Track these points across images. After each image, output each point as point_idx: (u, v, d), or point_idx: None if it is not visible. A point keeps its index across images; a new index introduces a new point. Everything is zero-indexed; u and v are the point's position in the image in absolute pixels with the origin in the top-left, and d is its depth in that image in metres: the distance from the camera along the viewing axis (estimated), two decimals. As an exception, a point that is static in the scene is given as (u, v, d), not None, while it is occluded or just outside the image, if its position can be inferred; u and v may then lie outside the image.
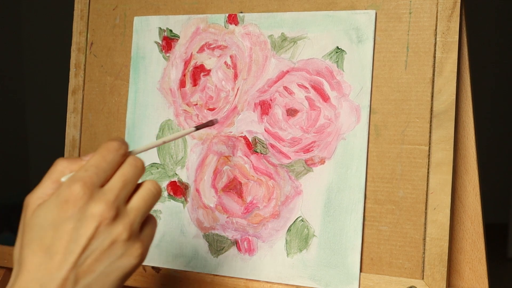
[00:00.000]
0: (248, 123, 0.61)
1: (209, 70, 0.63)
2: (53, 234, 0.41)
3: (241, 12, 0.63)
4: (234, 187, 0.62)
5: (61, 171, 0.44)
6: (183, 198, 0.64)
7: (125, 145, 0.45)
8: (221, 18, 0.63)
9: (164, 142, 0.51)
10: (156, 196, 0.45)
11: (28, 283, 0.41)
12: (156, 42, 0.66)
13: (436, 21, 0.55)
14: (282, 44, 0.60)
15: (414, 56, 0.55)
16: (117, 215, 0.42)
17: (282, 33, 0.60)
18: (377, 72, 0.56)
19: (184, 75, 0.65)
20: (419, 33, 0.55)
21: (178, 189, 0.64)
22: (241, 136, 0.61)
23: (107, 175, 0.43)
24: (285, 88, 0.60)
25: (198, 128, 0.57)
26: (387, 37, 0.56)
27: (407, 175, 0.55)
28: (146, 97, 0.66)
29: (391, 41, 0.56)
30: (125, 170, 0.44)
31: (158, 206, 0.64)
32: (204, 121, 0.63)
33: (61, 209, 0.42)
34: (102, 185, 0.43)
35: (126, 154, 0.45)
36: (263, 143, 0.60)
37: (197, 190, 0.63)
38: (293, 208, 0.59)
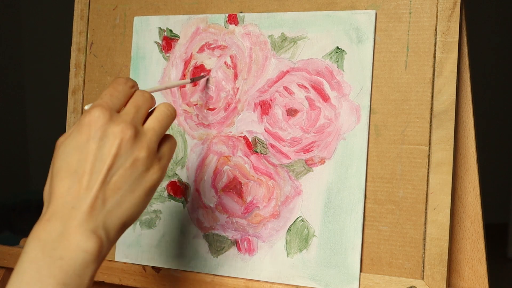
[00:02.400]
0: (248, 123, 0.61)
1: (209, 70, 0.63)
2: (79, 157, 0.44)
3: (241, 12, 0.63)
4: (234, 187, 0.62)
5: None
6: (183, 198, 0.64)
7: (132, 80, 0.49)
8: (221, 18, 0.63)
9: (166, 88, 0.57)
10: (170, 116, 0.49)
11: (59, 207, 0.43)
12: (156, 42, 0.66)
13: (436, 21, 0.55)
14: (282, 44, 0.60)
15: (414, 56, 0.55)
16: (135, 134, 0.45)
17: (282, 33, 0.60)
18: (377, 72, 0.57)
19: (184, 75, 0.65)
20: (419, 33, 0.55)
21: (178, 189, 0.64)
22: (241, 136, 0.61)
23: (120, 102, 0.47)
24: (285, 88, 0.60)
25: (192, 80, 0.62)
26: (387, 37, 0.56)
27: (407, 175, 0.55)
28: (146, 97, 0.66)
29: (391, 41, 0.56)
30: (136, 98, 0.48)
31: (158, 206, 0.65)
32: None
33: (83, 132, 0.44)
34: (118, 111, 0.46)
35: (134, 87, 0.48)
36: (263, 143, 0.60)
37: (197, 190, 0.63)
38: (293, 208, 0.59)
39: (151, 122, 0.47)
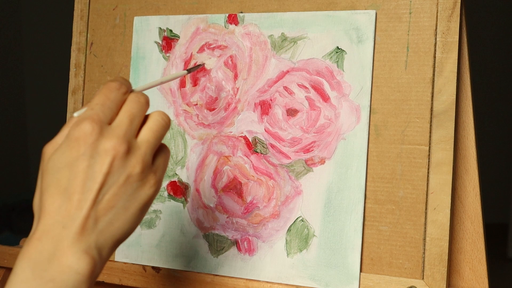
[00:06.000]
0: (248, 123, 0.61)
1: (209, 70, 0.63)
2: (69, 175, 0.41)
3: (241, 12, 0.63)
4: (234, 187, 0.62)
5: None
6: (183, 198, 0.64)
7: (126, 83, 0.45)
8: (221, 18, 0.63)
9: (162, 83, 0.53)
10: (164, 126, 0.46)
11: (49, 226, 0.41)
12: (156, 42, 0.66)
13: (436, 21, 0.55)
14: (282, 44, 0.60)
15: (414, 56, 0.55)
16: (129, 149, 0.42)
17: (282, 33, 0.60)
18: (377, 72, 0.56)
19: (184, 75, 0.65)
20: (419, 33, 0.55)
21: (178, 189, 0.64)
22: (241, 136, 0.61)
23: (112, 112, 0.44)
24: (285, 88, 0.60)
25: (189, 71, 0.59)
26: (387, 37, 0.56)
27: (407, 175, 0.55)
28: (146, 97, 0.66)
29: (391, 41, 0.56)
30: (129, 106, 0.44)
31: (158, 206, 0.65)
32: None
33: (73, 148, 0.42)
34: (110, 122, 0.43)
35: (128, 92, 0.45)
36: (263, 143, 0.60)
37: (197, 190, 0.63)
38: (293, 208, 0.59)
39: (145, 133, 0.44)
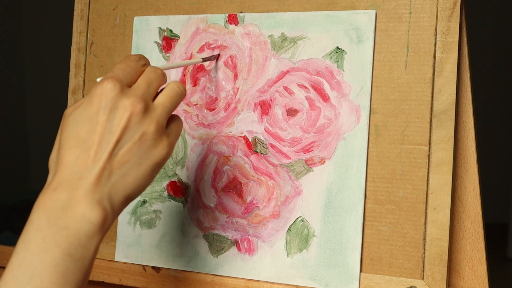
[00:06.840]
0: (248, 123, 0.61)
1: (209, 70, 0.63)
2: (88, 128, 0.44)
3: (241, 12, 0.63)
4: (234, 187, 0.62)
5: None
6: (183, 198, 0.64)
7: (144, 58, 0.49)
8: (221, 18, 0.63)
9: (177, 66, 0.59)
10: (180, 94, 0.49)
11: (66, 177, 0.43)
12: (156, 42, 0.66)
13: (436, 21, 0.55)
14: (282, 44, 0.60)
15: (414, 56, 0.55)
16: (145, 108, 0.45)
17: (282, 33, 0.60)
18: (377, 72, 0.57)
19: (184, 75, 0.65)
20: (419, 33, 0.55)
21: (178, 189, 0.64)
22: (241, 136, 0.61)
23: (132, 78, 0.47)
24: (285, 88, 0.60)
25: (204, 60, 0.61)
26: (387, 37, 0.56)
27: (407, 175, 0.55)
28: (146, 97, 0.66)
29: (391, 41, 0.56)
30: (147, 74, 0.48)
31: (158, 206, 0.65)
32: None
33: (94, 103, 0.44)
34: (129, 86, 0.46)
35: (146, 65, 0.49)
36: (263, 143, 0.60)
37: (197, 190, 0.63)
38: (293, 208, 0.59)
39: (162, 98, 0.48)
